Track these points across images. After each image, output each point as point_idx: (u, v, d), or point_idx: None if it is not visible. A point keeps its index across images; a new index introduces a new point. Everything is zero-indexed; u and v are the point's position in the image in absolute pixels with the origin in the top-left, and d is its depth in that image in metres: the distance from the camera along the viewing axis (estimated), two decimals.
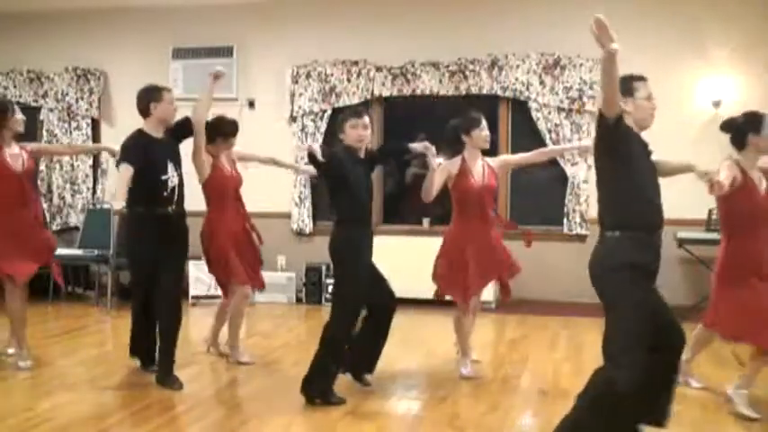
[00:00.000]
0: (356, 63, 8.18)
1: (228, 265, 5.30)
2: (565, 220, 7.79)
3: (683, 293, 7.40)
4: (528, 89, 7.78)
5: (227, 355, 5.54)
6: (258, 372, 5.27)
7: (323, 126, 8.25)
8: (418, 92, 8.07)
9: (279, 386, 4.91)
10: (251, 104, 8.48)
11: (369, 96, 8.18)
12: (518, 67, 7.80)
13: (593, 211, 7.64)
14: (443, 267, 5.15)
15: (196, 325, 6.88)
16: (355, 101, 8.15)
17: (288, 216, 8.34)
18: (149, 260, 4.84)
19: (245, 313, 5.60)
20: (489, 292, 7.73)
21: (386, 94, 8.15)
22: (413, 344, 6.29)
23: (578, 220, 7.73)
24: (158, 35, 8.62)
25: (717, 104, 7.36)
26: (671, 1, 7.53)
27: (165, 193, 4.84)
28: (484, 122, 5.18)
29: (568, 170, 7.70)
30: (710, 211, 7.09)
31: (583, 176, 7.66)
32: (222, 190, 5.36)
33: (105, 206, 8.32)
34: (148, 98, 4.93)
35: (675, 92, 7.42)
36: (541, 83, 7.75)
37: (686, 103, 7.48)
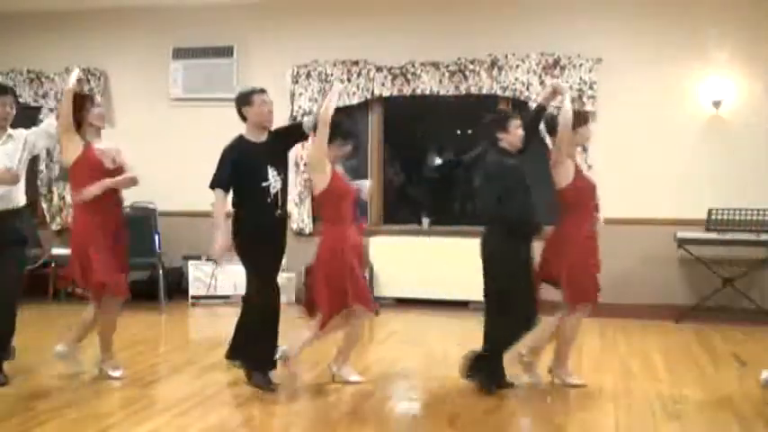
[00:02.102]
0: (356, 63, 8.17)
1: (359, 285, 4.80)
2: None
3: (682, 294, 7.40)
4: (528, 89, 7.78)
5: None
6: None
7: None
8: (418, 92, 8.06)
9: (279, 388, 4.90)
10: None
11: (369, 96, 8.17)
12: (518, 66, 7.79)
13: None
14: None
15: (196, 324, 6.88)
16: (355, 101, 8.15)
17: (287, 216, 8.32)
18: (269, 265, 4.91)
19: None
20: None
21: (386, 94, 8.15)
22: (413, 344, 6.28)
23: None
24: (158, 35, 8.62)
25: (717, 105, 7.35)
26: (670, 2, 7.53)
27: (269, 200, 4.74)
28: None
29: None
30: (710, 212, 7.09)
31: None
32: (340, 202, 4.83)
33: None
34: (239, 104, 4.85)
35: (677, 92, 7.44)
36: (541, 83, 7.74)
37: (687, 104, 7.47)
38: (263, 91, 4.89)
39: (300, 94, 8.28)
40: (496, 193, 4.62)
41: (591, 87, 7.62)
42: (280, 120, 8.27)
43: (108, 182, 4.79)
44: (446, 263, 7.64)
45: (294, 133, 5.09)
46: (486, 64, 7.86)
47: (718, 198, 7.20)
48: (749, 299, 7.18)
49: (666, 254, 7.38)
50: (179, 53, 8.53)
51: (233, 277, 7.56)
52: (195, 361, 5.55)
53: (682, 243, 7.14)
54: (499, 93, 7.85)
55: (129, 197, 6.34)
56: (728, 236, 7.01)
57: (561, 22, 7.75)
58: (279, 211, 4.84)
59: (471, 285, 7.55)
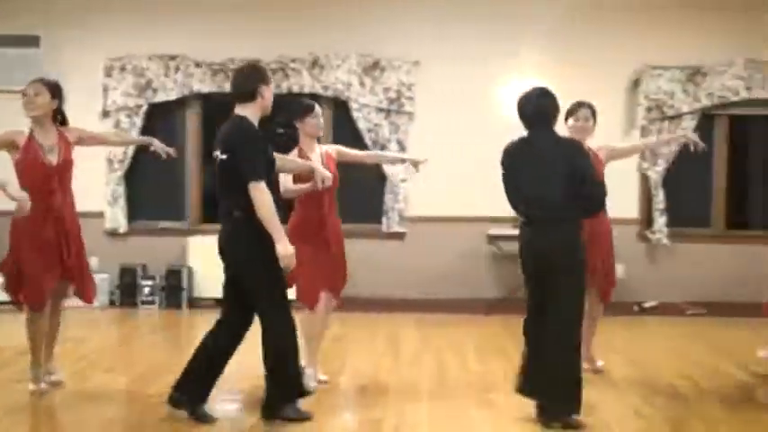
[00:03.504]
0: (174, 58, 7.94)
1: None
2: (384, 219, 7.96)
3: (493, 287, 7.77)
4: (348, 89, 7.89)
5: None
6: (67, 381, 4.97)
7: (139, 122, 7.95)
8: None
9: (92, 395, 4.69)
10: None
11: (187, 92, 7.97)
12: (339, 66, 7.88)
13: (411, 210, 7.88)
14: None
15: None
16: (173, 96, 7.93)
17: (100, 215, 7.95)
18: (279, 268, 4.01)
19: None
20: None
21: (205, 90, 7.98)
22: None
23: (397, 218, 7.91)
24: None
25: None
26: (484, 6, 7.89)
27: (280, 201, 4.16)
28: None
29: (387, 169, 7.87)
30: None
31: (401, 175, 7.84)
32: None
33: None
34: (258, 82, 4.13)
35: (491, 94, 7.80)
36: (361, 83, 7.88)
37: (501, 105, 7.84)
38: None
39: (114, 89, 7.94)
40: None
41: (409, 89, 7.84)
42: (91, 114, 7.97)
43: None
44: None
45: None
46: (308, 63, 7.89)
47: None
48: None
49: (479, 250, 7.74)
50: None
51: None
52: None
53: (492, 239, 7.52)
54: (320, 92, 7.90)
55: None
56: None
57: (381, 24, 7.93)
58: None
59: None
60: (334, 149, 5.17)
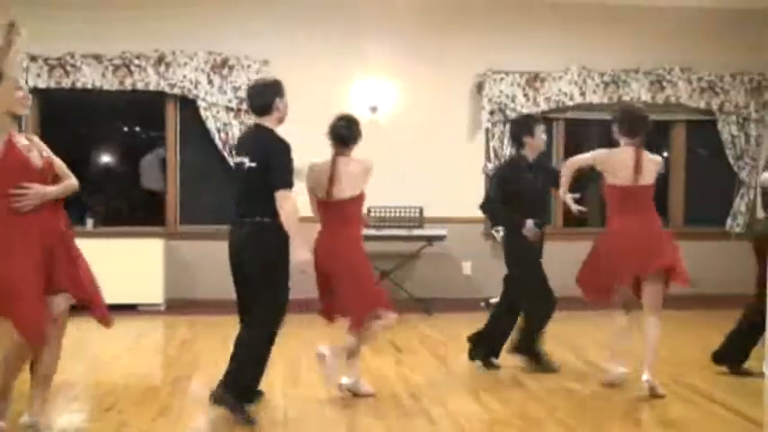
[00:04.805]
0: None
1: None
2: None
3: None
4: (196, 87, 7.72)
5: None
6: None
7: None
8: (79, 85, 7.61)
9: None
10: None
11: None
12: (186, 64, 7.70)
13: None
14: None
15: None
16: None
17: None
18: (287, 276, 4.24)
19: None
20: (159, 294, 7.56)
21: (42, 85, 7.57)
22: (79, 352, 5.92)
23: None
24: None
25: (374, 110, 7.90)
26: (333, 7, 7.94)
27: None
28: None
29: None
30: (369, 209, 7.59)
31: None
32: None
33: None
34: (276, 95, 4.47)
35: (338, 96, 7.84)
36: (210, 82, 7.74)
37: (348, 107, 7.91)
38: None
39: None
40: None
41: None
42: None
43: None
44: (113, 265, 7.30)
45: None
46: (153, 59, 7.66)
47: (377, 196, 7.73)
48: (404, 290, 7.83)
49: None
50: None
51: None
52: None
53: None
54: (166, 90, 7.70)
55: None
56: (385, 231, 7.59)
57: (229, 22, 7.81)
58: None
59: (140, 288, 7.41)
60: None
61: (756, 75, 8.22)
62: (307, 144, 8.08)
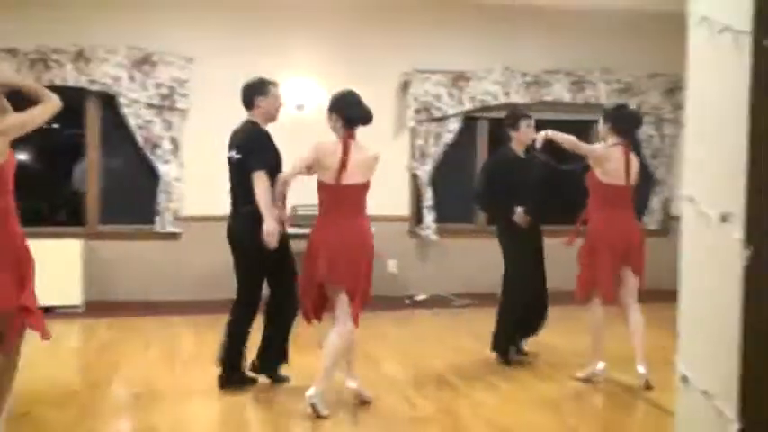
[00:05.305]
0: None
1: None
2: (157, 219, 7.70)
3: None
4: (117, 84, 7.54)
5: None
6: None
7: None
8: None
9: None
10: None
11: None
12: (106, 60, 7.52)
13: (186, 210, 7.68)
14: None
15: None
16: None
17: None
18: (273, 260, 4.70)
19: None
20: (77, 296, 7.36)
21: None
22: None
23: (171, 218, 7.69)
24: None
25: (300, 108, 7.86)
26: (258, 6, 7.87)
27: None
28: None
29: (161, 168, 7.62)
30: (294, 208, 7.55)
31: (175, 174, 7.63)
32: None
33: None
34: (254, 93, 4.82)
35: None
36: (131, 78, 7.57)
37: None
38: (277, 84, 4.94)
39: None
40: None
41: (182, 85, 7.64)
42: None
43: None
44: None
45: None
46: (72, 54, 7.45)
47: (303, 195, 7.69)
48: None
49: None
50: None
51: None
52: None
53: None
54: (86, 86, 7.50)
55: None
56: (309, 231, 7.53)
57: (152, 17, 7.66)
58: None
59: (57, 290, 7.19)
60: None
61: (671, 76, 8.49)
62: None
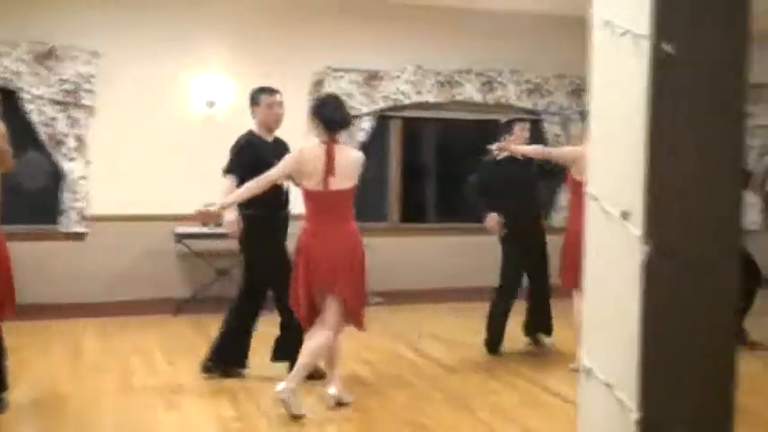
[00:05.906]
0: None
1: None
2: (62, 218, 7.46)
3: (181, 286, 7.63)
4: (19, 79, 7.26)
5: None
6: None
7: None
8: None
9: None
10: None
11: None
12: (7, 54, 7.22)
13: (92, 209, 7.47)
14: None
15: None
16: None
17: None
18: (272, 263, 4.93)
19: None
20: None
21: None
22: None
23: (76, 217, 7.45)
24: None
25: (211, 105, 7.74)
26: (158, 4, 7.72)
27: (282, 198, 4.97)
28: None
29: (65, 165, 7.38)
30: (207, 206, 7.43)
31: (80, 173, 7.41)
32: None
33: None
34: (251, 100, 5.09)
35: (173, 90, 7.64)
36: (35, 73, 7.30)
37: (183, 102, 7.73)
38: (273, 92, 5.10)
39: None
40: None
41: (88, 81, 7.41)
42: None
43: None
44: None
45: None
46: None
47: (215, 193, 7.60)
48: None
49: (166, 249, 7.56)
50: None
51: None
52: None
53: (180, 238, 7.38)
54: None
55: None
56: (221, 230, 7.43)
57: (56, 10, 7.39)
58: (284, 211, 5.07)
59: None
60: None
61: (576, 78, 8.73)
62: (141, 137, 7.87)
